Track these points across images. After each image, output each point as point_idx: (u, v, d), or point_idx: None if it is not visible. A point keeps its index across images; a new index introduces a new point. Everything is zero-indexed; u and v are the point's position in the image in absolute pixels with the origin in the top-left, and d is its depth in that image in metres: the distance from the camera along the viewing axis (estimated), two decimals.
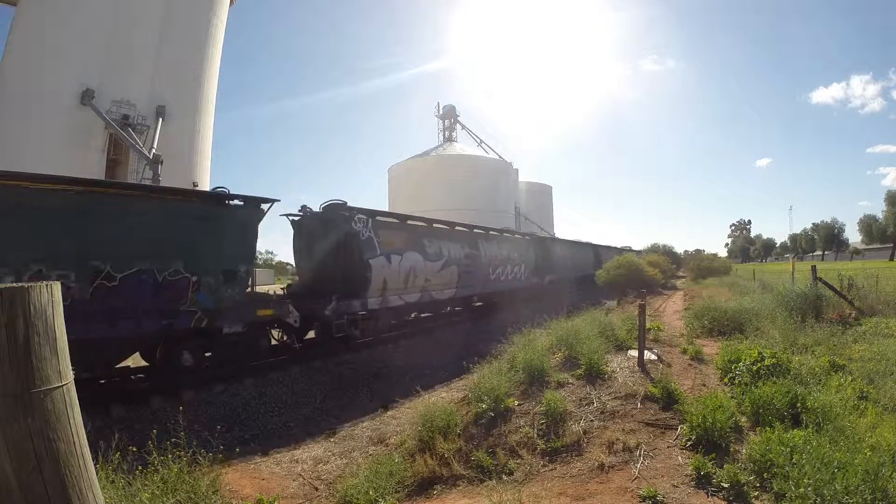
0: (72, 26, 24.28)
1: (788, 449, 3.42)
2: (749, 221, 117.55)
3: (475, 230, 16.59)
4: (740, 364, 5.56)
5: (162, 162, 23.39)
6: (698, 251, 57.45)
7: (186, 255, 7.73)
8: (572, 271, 25.69)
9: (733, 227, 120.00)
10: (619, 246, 46.50)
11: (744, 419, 4.40)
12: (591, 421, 4.72)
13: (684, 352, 6.99)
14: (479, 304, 17.12)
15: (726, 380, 5.58)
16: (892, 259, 55.88)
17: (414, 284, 12.33)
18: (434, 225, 14.11)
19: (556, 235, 48.46)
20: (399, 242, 11.92)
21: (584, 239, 39.27)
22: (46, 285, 1.27)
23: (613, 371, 5.78)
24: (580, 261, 28.72)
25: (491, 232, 17.59)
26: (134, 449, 3.71)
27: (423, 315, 14.84)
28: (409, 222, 12.86)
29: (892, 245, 58.99)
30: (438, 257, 13.39)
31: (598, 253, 34.55)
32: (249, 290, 9.35)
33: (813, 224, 78.69)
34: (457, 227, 15.38)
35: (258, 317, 8.79)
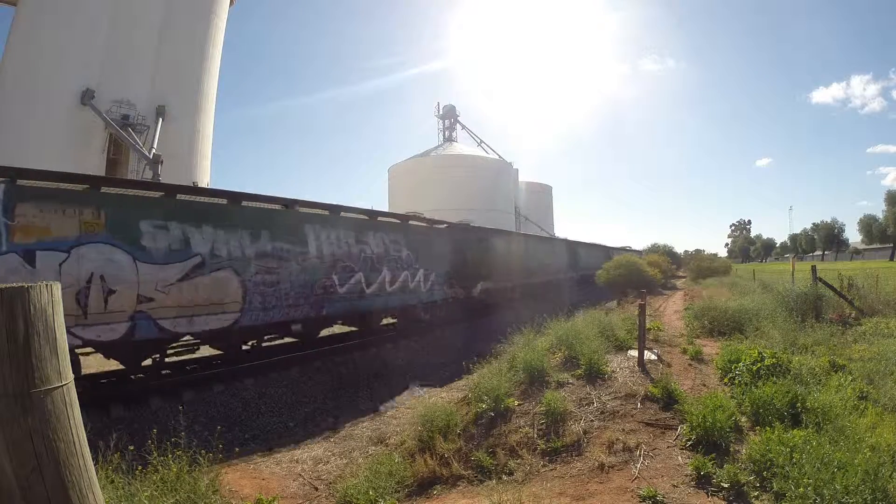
0: (72, 26, 24.29)
1: (788, 449, 3.42)
2: (749, 221, 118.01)
3: (299, 208, 9.72)
4: (740, 364, 5.56)
5: (162, 162, 23.40)
6: (698, 251, 57.54)
7: None
8: (532, 276, 19.57)
9: (733, 227, 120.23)
10: (614, 245, 45.58)
11: (744, 419, 4.40)
12: (591, 421, 4.71)
13: (684, 352, 6.99)
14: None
15: (726, 380, 5.58)
16: (892, 259, 55.89)
17: (110, 308, 6.86)
18: (179, 196, 7.98)
19: (556, 235, 48.36)
20: (70, 227, 6.65)
21: (560, 236, 36.83)
22: (46, 285, 1.27)
23: (613, 371, 5.78)
24: (548, 263, 22.23)
25: (345, 214, 10.66)
26: (132, 449, 3.71)
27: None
28: (104, 191, 7.21)
29: (892, 245, 59.01)
30: (177, 255, 7.59)
31: (575, 253, 28.11)
32: None
33: (813, 224, 78.88)
34: (244, 203, 8.73)
35: None
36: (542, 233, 43.61)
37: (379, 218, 11.91)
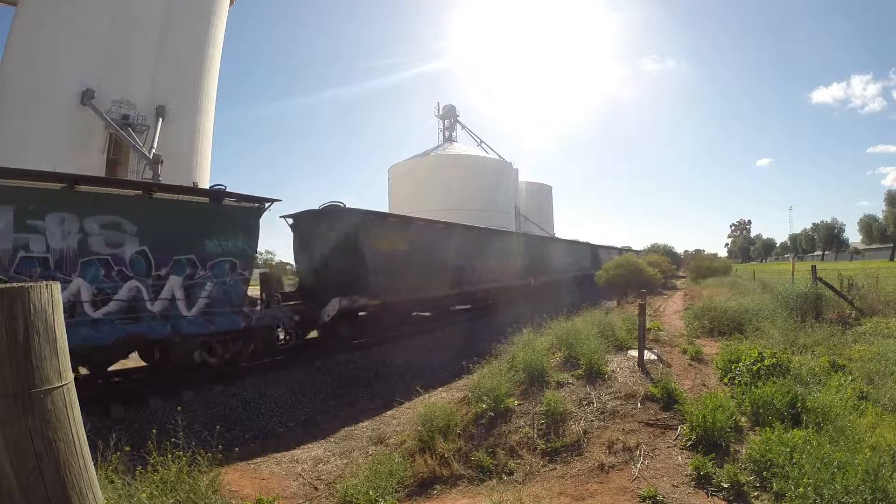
0: (72, 26, 24.32)
1: (788, 449, 3.42)
2: (749, 221, 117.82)
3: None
4: (740, 364, 5.56)
5: (162, 162, 23.41)
6: (698, 251, 57.64)
7: None
8: (458, 284, 14.00)
9: (733, 227, 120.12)
10: (613, 245, 43.61)
11: (744, 419, 4.40)
12: (591, 421, 4.72)
13: (684, 352, 7.00)
14: None
15: (726, 380, 5.58)
16: (892, 259, 55.89)
17: None
18: None
19: (556, 235, 48.25)
20: None
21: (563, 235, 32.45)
22: (46, 285, 1.27)
23: (613, 371, 5.78)
24: (491, 265, 16.05)
25: None
26: (128, 448, 3.71)
27: None
28: None
29: (892, 245, 59.01)
30: None
31: (541, 252, 21.03)
32: None
33: (813, 224, 78.77)
34: None
35: None
36: (542, 232, 43.27)
37: (80, 187, 6.96)
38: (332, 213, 10.82)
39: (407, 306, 12.48)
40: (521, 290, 18.30)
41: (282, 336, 9.61)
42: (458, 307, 15.77)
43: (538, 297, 17.52)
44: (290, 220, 11.46)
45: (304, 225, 11.25)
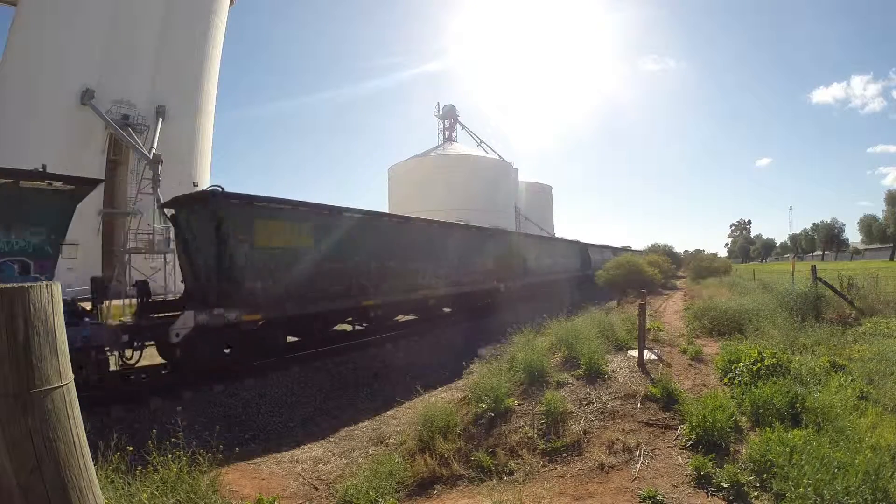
0: (72, 26, 24.34)
1: (788, 449, 3.42)
2: (749, 221, 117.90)
3: None
4: (740, 364, 5.56)
5: (162, 162, 23.42)
6: (698, 251, 57.44)
7: None
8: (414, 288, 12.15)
9: (733, 227, 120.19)
10: (611, 245, 42.59)
11: (744, 419, 4.40)
12: (591, 421, 4.71)
13: (684, 352, 7.00)
14: None
15: (726, 380, 5.58)
16: (892, 259, 55.91)
17: None
18: None
19: (556, 235, 48.22)
20: None
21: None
22: (46, 285, 1.27)
23: (613, 371, 5.78)
24: (445, 266, 13.37)
25: None
26: (131, 449, 3.71)
27: None
28: None
29: (892, 245, 59.02)
30: None
31: (518, 250, 18.47)
32: None
33: (813, 224, 78.66)
34: None
35: None
36: (542, 232, 43.19)
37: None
38: (203, 200, 8.30)
39: (320, 319, 9.90)
40: (487, 296, 15.80)
41: (118, 361, 7.83)
42: (400, 318, 13.48)
43: (511, 305, 15.01)
44: (171, 212, 9.14)
45: (181, 216, 8.94)
